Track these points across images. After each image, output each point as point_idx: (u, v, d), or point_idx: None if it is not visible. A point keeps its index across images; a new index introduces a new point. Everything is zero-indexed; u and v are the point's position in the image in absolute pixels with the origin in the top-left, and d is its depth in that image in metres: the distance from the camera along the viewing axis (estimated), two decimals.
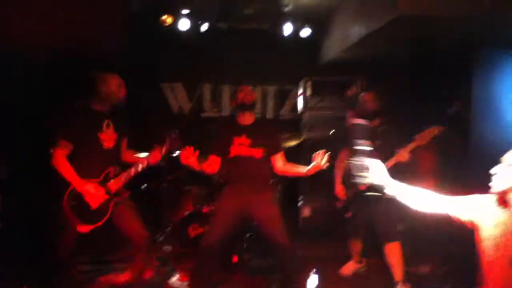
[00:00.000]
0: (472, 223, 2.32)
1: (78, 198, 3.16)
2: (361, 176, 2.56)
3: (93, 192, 3.17)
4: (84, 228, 3.19)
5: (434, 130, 3.58)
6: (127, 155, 3.49)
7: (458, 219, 2.36)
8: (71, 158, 3.17)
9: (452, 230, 2.56)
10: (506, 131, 3.83)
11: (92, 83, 3.26)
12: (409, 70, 4.64)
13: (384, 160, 3.72)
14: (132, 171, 3.31)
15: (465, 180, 3.50)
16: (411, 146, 3.65)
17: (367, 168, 2.54)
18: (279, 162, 3.61)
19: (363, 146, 3.58)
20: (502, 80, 4.00)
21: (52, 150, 3.15)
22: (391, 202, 2.82)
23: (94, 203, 3.18)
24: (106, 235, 3.39)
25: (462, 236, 2.46)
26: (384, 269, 3.81)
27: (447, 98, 4.22)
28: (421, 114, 3.88)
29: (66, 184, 3.16)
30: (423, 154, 3.92)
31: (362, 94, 3.98)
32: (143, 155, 3.46)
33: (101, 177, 3.24)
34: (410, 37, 4.01)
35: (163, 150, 3.36)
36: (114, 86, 3.27)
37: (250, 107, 3.51)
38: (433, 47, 4.28)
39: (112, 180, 3.26)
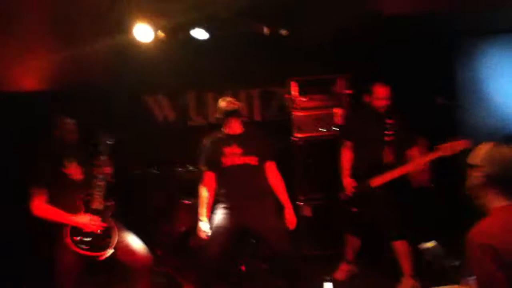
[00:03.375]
0: None
1: (79, 232, 3.16)
2: None
3: (87, 221, 3.17)
4: (102, 255, 3.18)
5: (462, 144, 3.39)
6: None
7: None
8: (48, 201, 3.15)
9: None
10: (493, 115, 3.95)
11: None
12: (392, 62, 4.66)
13: (397, 157, 3.74)
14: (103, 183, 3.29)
15: None
16: (433, 155, 3.53)
17: None
18: (272, 172, 3.61)
19: None
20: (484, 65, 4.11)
21: (30, 201, 3.12)
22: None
23: (95, 229, 3.18)
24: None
25: None
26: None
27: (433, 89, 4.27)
28: (409, 105, 3.91)
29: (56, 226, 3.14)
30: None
31: (374, 88, 3.79)
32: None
33: (82, 207, 3.23)
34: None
35: None
36: (66, 131, 3.28)
37: (234, 112, 3.52)
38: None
39: (92, 202, 3.25)
